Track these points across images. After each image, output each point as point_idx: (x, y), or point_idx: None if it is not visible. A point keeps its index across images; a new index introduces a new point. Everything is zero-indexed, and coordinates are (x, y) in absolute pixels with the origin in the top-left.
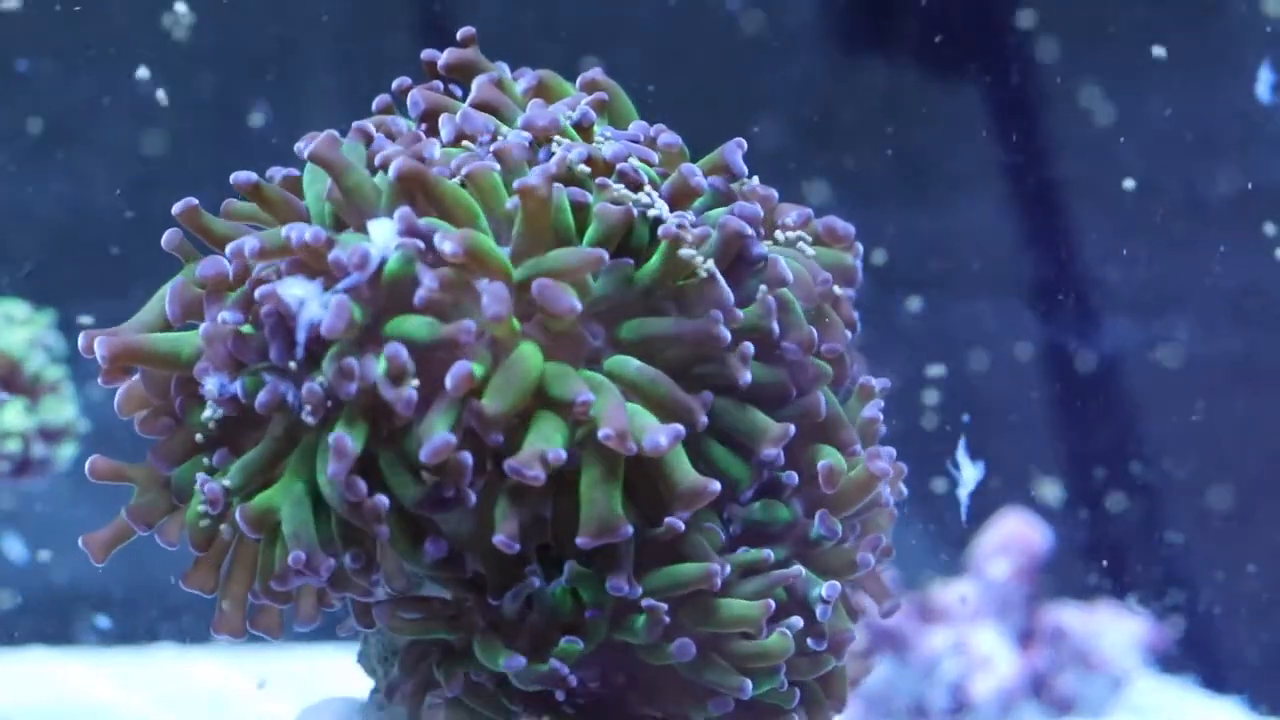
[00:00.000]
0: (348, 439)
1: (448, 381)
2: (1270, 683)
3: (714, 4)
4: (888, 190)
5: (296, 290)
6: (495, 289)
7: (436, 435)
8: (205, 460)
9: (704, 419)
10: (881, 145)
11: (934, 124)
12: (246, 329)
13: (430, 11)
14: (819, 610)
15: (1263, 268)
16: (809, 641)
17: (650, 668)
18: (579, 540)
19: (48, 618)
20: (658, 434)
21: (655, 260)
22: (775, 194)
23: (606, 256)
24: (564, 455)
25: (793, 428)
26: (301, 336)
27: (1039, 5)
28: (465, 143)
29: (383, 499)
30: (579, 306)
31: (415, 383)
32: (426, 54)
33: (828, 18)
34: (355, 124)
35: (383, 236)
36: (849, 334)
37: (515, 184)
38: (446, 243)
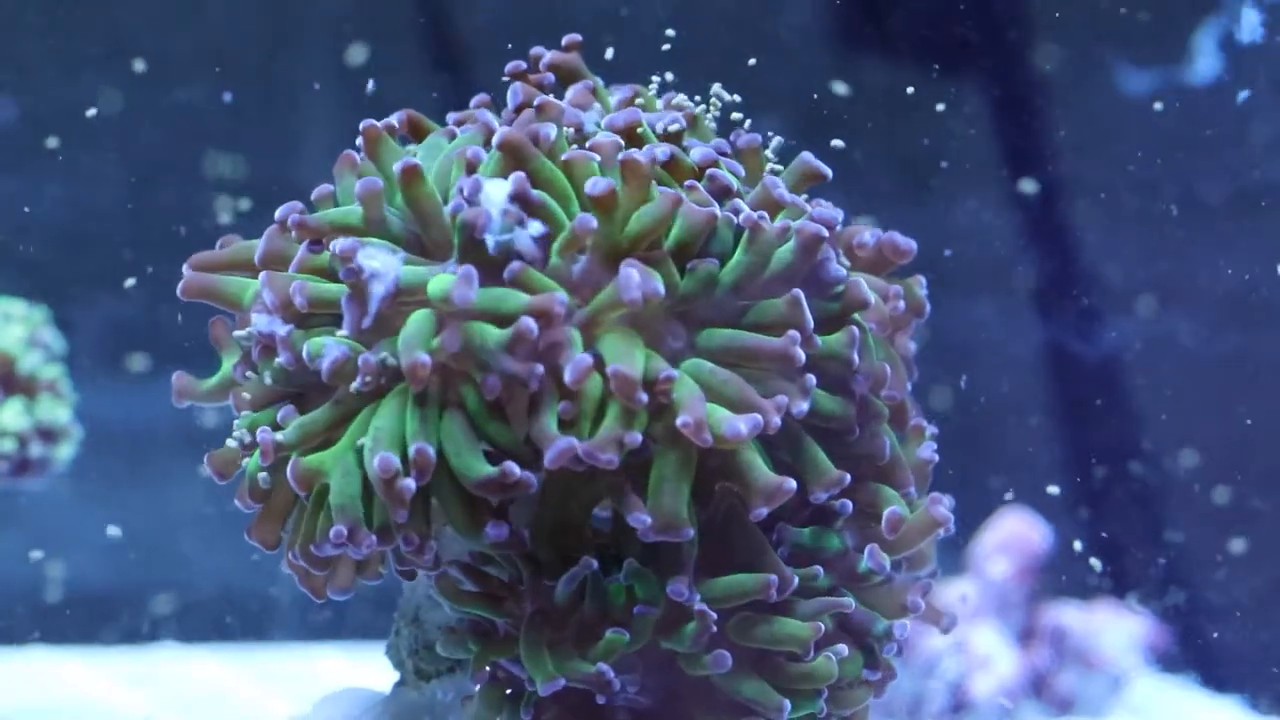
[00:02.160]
0: (430, 452)
1: (568, 373)
2: (1270, 682)
3: (714, 3)
4: (888, 190)
5: (375, 261)
6: (634, 278)
7: (560, 441)
8: (273, 411)
9: (777, 420)
10: (881, 145)
11: (934, 124)
12: (311, 279)
13: (430, 10)
14: (885, 647)
15: (1262, 267)
16: (865, 672)
17: (689, 680)
18: (643, 534)
19: (48, 618)
20: (737, 422)
21: (739, 253)
22: (840, 214)
23: (684, 196)
24: (639, 439)
25: (849, 476)
26: (374, 308)
27: (1039, 4)
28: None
29: (409, 484)
30: (662, 290)
31: (540, 367)
32: (534, 51)
33: (828, 17)
34: (451, 116)
35: (496, 200)
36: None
37: (620, 155)
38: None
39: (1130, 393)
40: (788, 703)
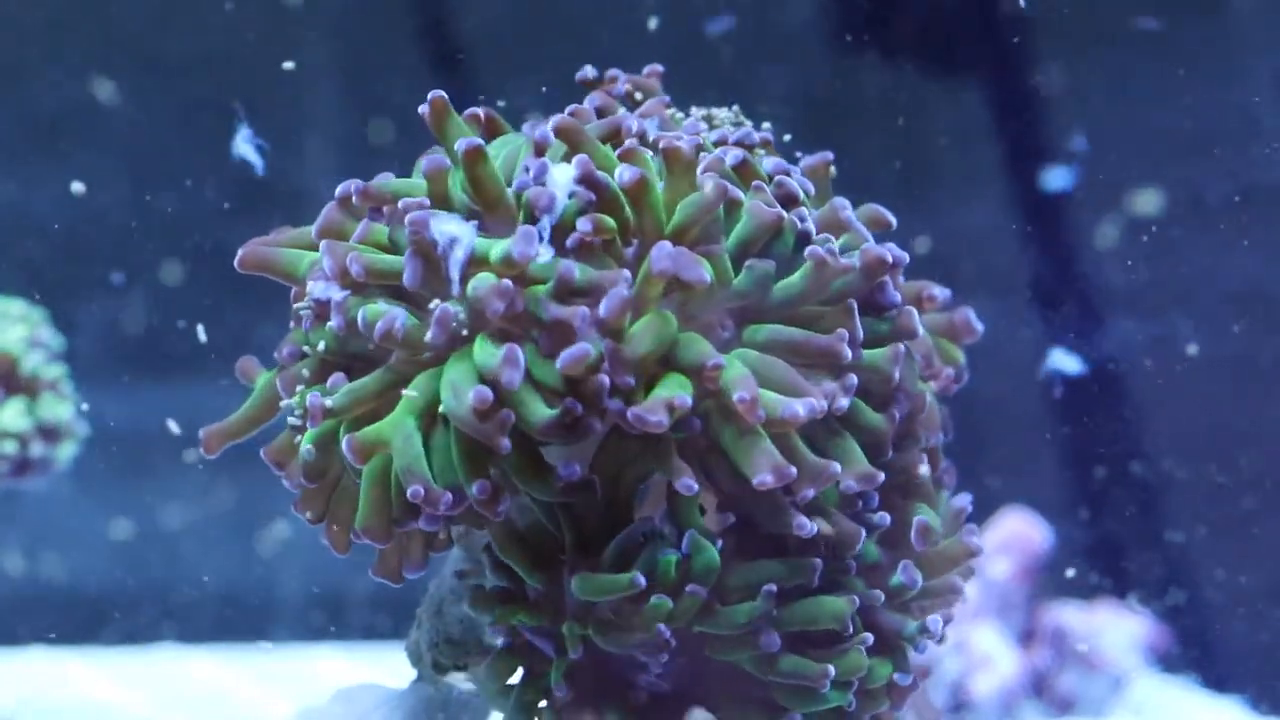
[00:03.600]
0: (519, 351)
1: (602, 307)
2: (1271, 682)
3: (715, 2)
4: (888, 190)
5: (449, 227)
6: (666, 246)
7: (576, 348)
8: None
9: (824, 405)
10: (881, 145)
11: (934, 124)
12: (369, 250)
13: (429, 10)
14: (918, 644)
15: (1263, 267)
16: (896, 676)
17: (713, 667)
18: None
19: (48, 618)
20: (793, 404)
21: (798, 278)
22: (906, 256)
23: (729, 187)
24: (689, 401)
25: (881, 475)
26: (455, 274)
27: (1039, 5)
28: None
29: (508, 413)
30: (708, 277)
31: (584, 308)
32: (611, 71)
33: (828, 17)
34: (525, 126)
35: (562, 179)
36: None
37: (661, 144)
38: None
39: (1130, 393)
40: (831, 668)
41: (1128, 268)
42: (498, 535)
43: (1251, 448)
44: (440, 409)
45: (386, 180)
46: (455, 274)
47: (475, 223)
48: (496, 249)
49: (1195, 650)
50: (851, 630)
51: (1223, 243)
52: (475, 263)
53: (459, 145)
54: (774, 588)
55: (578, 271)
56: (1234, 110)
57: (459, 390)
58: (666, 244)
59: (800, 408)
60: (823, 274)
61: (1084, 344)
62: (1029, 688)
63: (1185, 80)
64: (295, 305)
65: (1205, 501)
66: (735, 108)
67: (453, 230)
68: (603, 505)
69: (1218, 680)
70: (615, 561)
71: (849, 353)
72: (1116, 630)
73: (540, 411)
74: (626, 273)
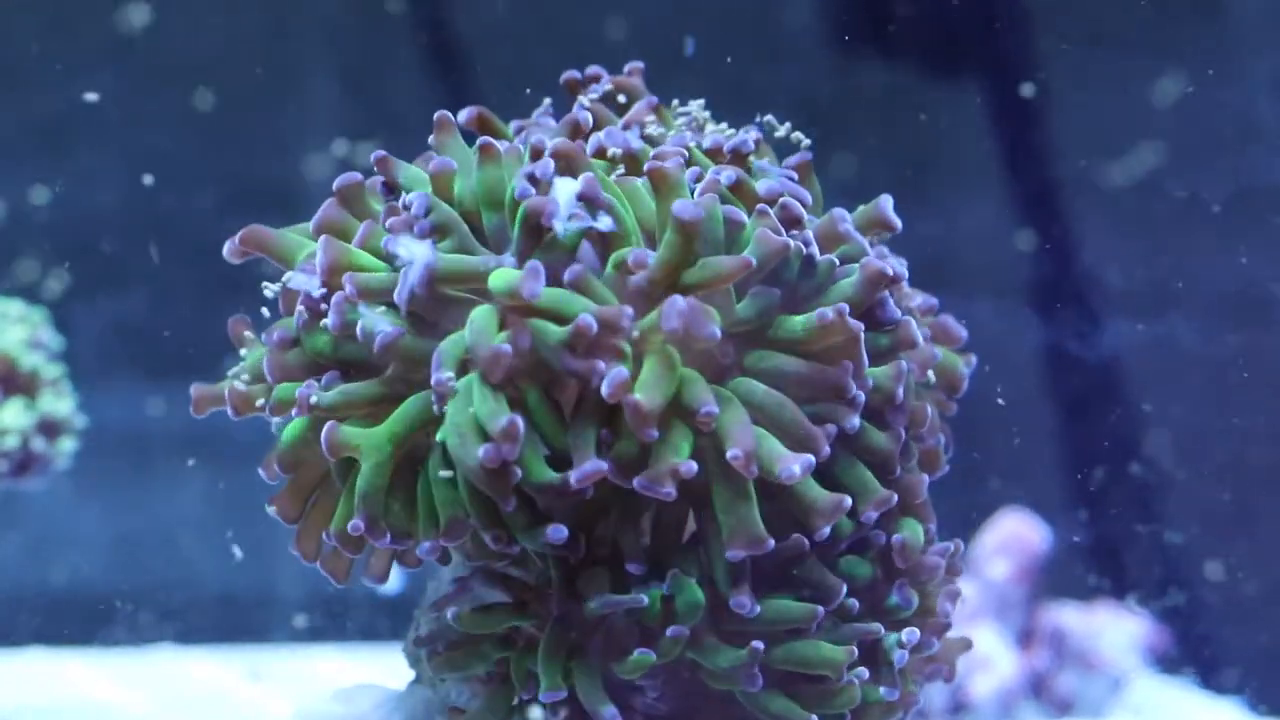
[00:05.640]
0: (519, 422)
1: (604, 387)
2: (1270, 683)
3: (714, 3)
4: (887, 190)
5: (403, 250)
6: (678, 302)
7: (589, 463)
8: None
9: (827, 450)
10: (881, 145)
11: (934, 124)
12: (366, 256)
13: (429, 11)
14: (896, 656)
15: (1262, 268)
16: (881, 690)
17: (709, 692)
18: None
19: (48, 618)
20: (791, 463)
21: (801, 328)
22: (905, 265)
23: (754, 262)
24: (694, 468)
25: (895, 496)
26: (404, 295)
27: (1039, 5)
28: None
29: (517, 470)
30: (719, 334)
31: (601, 364)
32: (591, 69)
33: (828, 17)
34: (514, 124)
35: (564, 195)
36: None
37: (647, 165)
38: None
39: (1130, 393)
40: (815, 717)
41: (1128, 267)
42: (466, 622)
43: (1251, 447)
44: (446, 447)
45: (404, 166)
46: (404, 294)
47: (431, 242)
48: (500, 279)
49: (1194, 651)
50: (846, 678)
51: (1222, 243)
52: (445, 278)
53: (432, 166)
54: (760, 645)
55: (595, 326)
56: (1234, 110)
57: (465, 439)
58: (679, 299)
59: (797, 467)
60: (827, 333)
61: (1084, 344)
62: (1028, 688)
63: (1185, 79)
64: (268, 287)
65: (1205, 502)
66: (699, 103)
67: (403, 253)
68: (592, 541)
69: (1216, 681)
70: (599, 601)
71: (853, 387)
72: (1115, 631)
73: (544, 473)
74: (629, 310)
